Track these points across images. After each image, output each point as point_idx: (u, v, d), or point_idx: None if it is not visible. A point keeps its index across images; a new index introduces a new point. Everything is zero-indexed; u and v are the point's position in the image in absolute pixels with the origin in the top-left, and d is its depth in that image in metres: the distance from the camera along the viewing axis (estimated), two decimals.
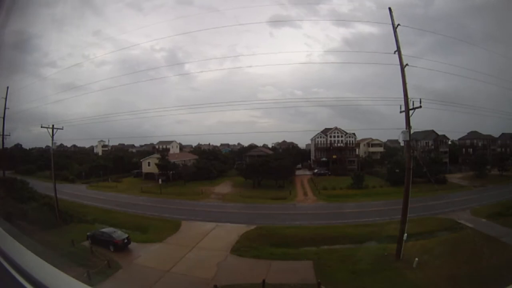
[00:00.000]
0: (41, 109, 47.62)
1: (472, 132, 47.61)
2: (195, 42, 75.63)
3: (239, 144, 69.73)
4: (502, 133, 46.46)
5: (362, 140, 52.84)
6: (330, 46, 66.10)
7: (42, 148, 51.40)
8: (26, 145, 52.92)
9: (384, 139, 54.27)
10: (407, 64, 18.88)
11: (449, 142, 47.01)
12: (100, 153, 60.48)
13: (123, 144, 67.01)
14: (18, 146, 50.67)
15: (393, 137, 47.72)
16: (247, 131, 68.69)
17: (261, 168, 38.38)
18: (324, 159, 49.00)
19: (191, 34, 66.69)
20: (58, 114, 53.19)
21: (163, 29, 76.02)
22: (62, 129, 27.56)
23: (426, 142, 45.18)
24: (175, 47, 77.50)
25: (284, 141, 67.00)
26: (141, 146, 64.97)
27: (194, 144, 67.46)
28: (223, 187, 40.27)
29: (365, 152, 53.15)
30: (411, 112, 18.25)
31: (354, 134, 49.17)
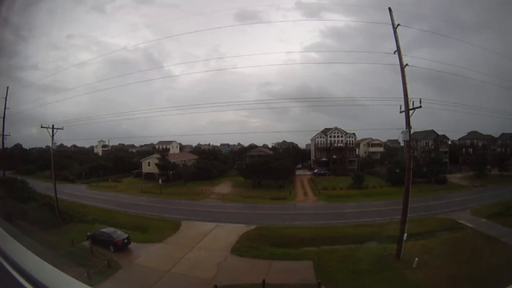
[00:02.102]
0: (39, 110, 47.67)
1: (472, 132, 47.56)
2: (180, 44, 75.95)
3: (239, 144, 69.67)
4: (502, 133, 46.42)
5: (362, 140, 52.75)
6: (326, 44, 65.89)
7: (42, 148, 51.46)
8: (26, 145, 53.00)
9: (384, 139, 54.32)
10: (407, 64, 18.87)
11: (449, 142, 46.99)
12: (100, 153, 60.42)
13: (123, 144, 66.96)
14: (18, 146, 50.69)
15: (393, 137, 47.68)
16: (240, 131, 68.64)
17: (261, 168, 38.36)
18: (324, 159, 48.96)
19: (174, 35, 66.74)
20: (57, 114, 53.20)
21: (155, 32, 76.14)
22: (62, 129, 27.60)
23: (426, 142, 45.16)
24: (160, 48, 77.54)
25: (284, 141, 66.90)
26: (141, 146, 64.93)
27: (194, 144, 67.45)
28: (223, 187, 40.25)
29: (365, 152, 53.09)
30: (411, 112, 18.26)
31: (354, 134, 49.12)
